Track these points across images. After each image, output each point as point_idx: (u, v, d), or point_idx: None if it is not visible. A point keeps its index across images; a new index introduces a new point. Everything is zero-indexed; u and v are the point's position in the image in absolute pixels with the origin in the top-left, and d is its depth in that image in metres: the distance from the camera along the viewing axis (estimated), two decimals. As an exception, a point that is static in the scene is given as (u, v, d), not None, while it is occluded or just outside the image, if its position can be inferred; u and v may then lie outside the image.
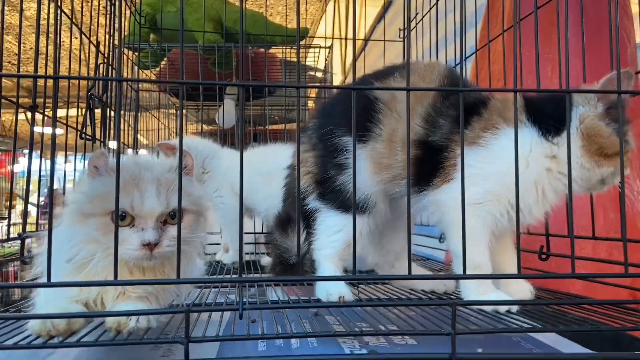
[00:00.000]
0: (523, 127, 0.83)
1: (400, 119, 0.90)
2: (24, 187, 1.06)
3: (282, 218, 1.07)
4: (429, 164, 0.87)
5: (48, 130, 0.99)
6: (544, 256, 1.03)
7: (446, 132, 0.86)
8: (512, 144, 0.68)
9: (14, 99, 0.98)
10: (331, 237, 0.97)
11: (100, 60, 1.38)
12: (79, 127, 1.27)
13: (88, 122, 1.29)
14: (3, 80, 0.95)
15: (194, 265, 0.81)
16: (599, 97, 0.80)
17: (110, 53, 1.45)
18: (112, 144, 1.44)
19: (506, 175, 0.70)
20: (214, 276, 1.33)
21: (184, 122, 2.69)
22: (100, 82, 1.41)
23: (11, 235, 1.13)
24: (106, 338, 0.65)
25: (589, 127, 0.80)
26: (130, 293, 0.71)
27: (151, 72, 2.35)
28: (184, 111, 2.58)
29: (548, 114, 0.83)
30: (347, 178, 0.95)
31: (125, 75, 1.80)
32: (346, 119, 0.97)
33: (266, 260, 1.46)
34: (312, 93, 3.15)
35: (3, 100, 0.98)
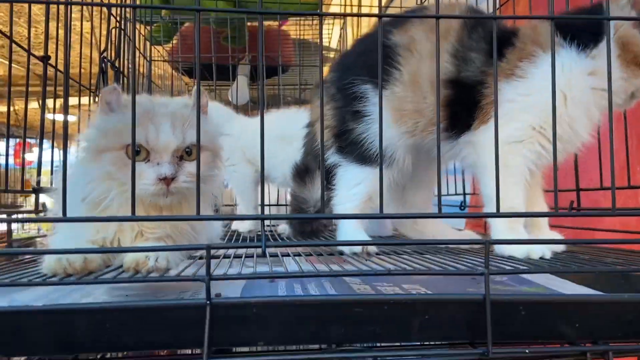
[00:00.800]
0: (559, 49, 0.79)
1: (422, 58, 0.86)
2: (36, 179, 1.03)
3: (300, 168, 1.04)
4: (462, 105, 0.83)
5: (59, 117, 0.96)
6: (574, 211, 0.99)
7: (480, 66, 0.82)
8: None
9: (24, 87, 0.95)
10: (352, 190, 0.93)
11: (112, 25, 1.36)
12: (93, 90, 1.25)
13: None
14: (14, 69, 0.91)
15: (210, 209, 0.78)
16: (632, 4, 0.77)
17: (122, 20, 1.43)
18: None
19: (550, 104, 0.66)
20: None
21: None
22: (113, 48, 1.39)
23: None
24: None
25: (624, 36, 0.77)
26: (148, 234, 0.68)
27: (163, 48, 2.32)
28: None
29: (581, 28, 0.80)
30: (364, 127, 0.92)
31: (137, 48, 1.76)
32: (367, 68, 0.93)
33: (282, 228, 1.44)
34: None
35: (14, 88, 0.95)
